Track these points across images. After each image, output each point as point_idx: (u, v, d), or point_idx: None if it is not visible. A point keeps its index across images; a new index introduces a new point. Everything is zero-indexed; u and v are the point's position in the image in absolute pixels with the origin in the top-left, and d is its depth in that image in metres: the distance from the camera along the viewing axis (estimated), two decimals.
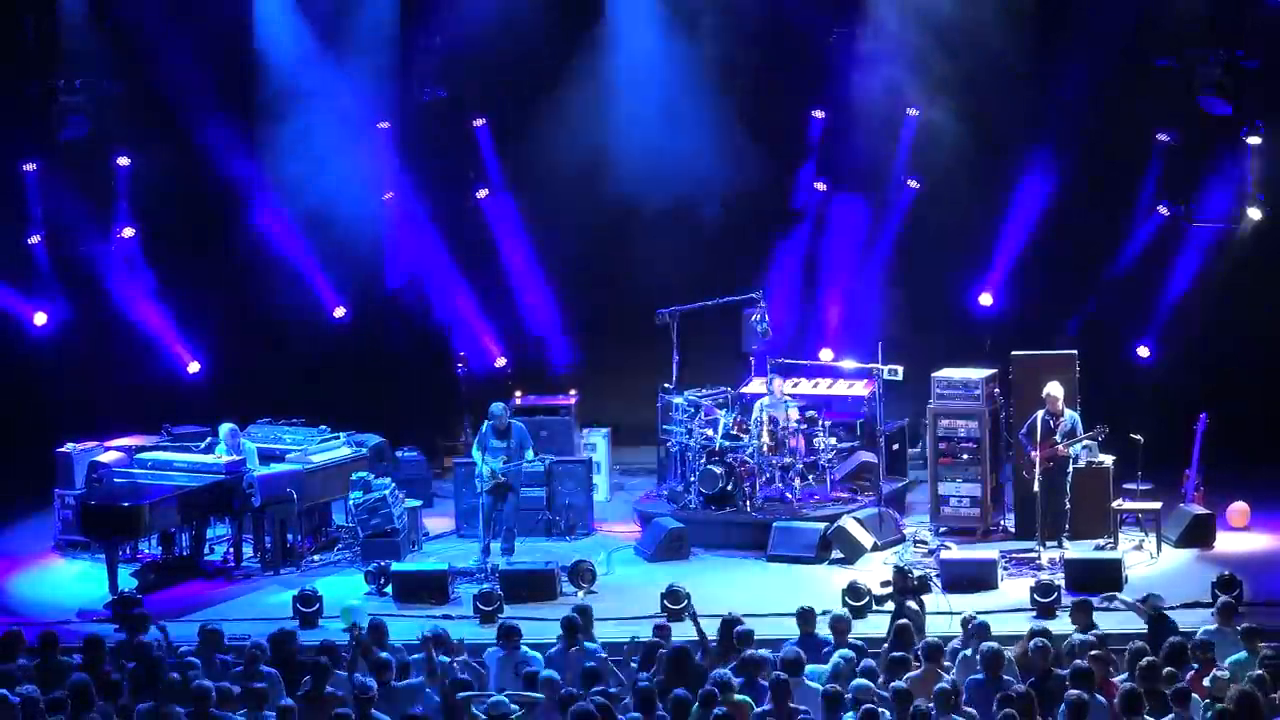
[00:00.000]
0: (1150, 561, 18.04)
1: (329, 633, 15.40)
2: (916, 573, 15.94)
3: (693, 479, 19.45)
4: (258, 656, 13.28)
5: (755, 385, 20.50)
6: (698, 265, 22.21)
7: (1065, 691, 11.92)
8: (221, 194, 22.59)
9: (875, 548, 18.44)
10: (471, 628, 15.97)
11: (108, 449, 19.54)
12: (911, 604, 14.76)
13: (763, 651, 13.09)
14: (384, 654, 13.22)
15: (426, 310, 23.53)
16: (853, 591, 16.25)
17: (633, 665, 13.52)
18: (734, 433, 19.45)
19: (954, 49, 21.31)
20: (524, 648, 13.76)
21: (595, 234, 22.89)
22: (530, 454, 18.58)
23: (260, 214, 22.67)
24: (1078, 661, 12.43)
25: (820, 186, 22.71)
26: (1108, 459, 18.74)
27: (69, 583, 18.42)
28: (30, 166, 21.97)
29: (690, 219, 22.64)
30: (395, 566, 17.61)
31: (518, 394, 21.42)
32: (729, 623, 13.77)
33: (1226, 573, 16.30)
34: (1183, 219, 21.44)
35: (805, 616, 14.18)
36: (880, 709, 11.82)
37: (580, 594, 17.19)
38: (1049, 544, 18.01)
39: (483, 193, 23.21)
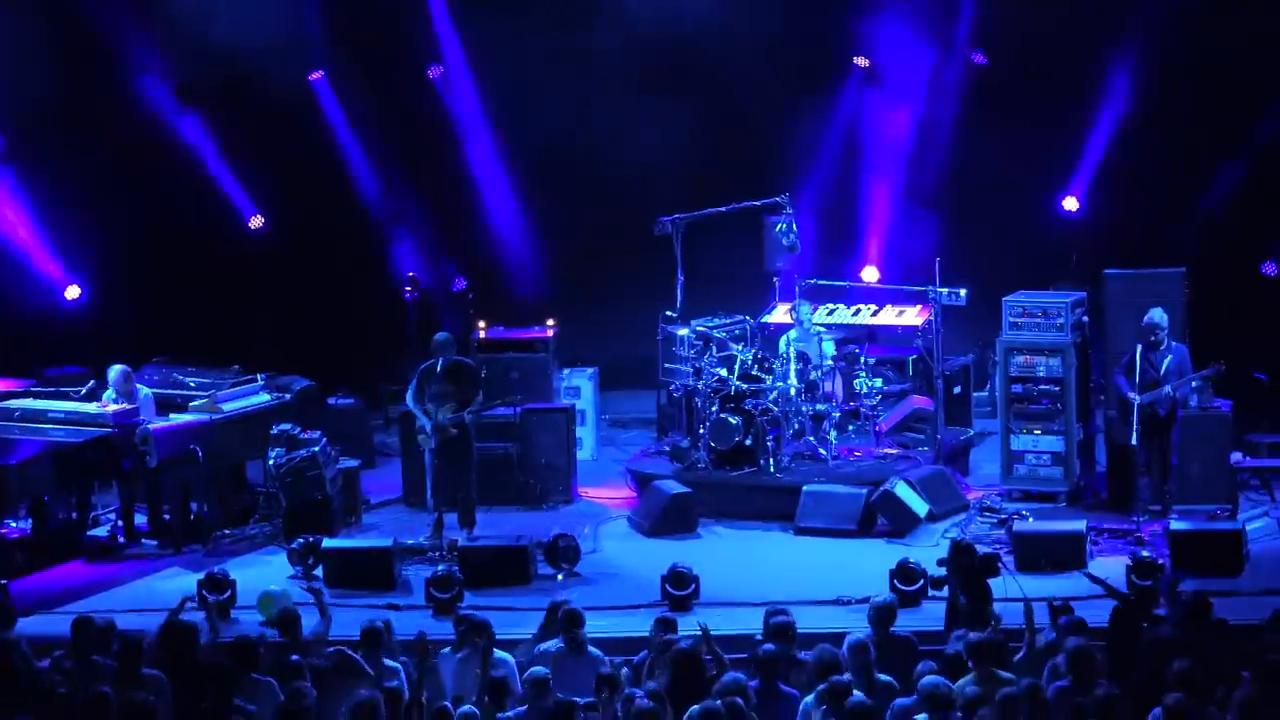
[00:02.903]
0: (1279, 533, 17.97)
1: (244, 627, 15.28)
2: (982, 549, 15.48)
3: (702, 431, 19.42)
4: (137, 655, 12.86)
5: (781, 313, 20.59)
6: (706, 160, 22.26)
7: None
8: (106, 74, 22.59)
9: (931, 517, 18.44)
10: (424, 619, 15.86)
11: None
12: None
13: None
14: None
15: (366, 220, 23.58)
16: (903, 573, 16.13)
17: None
18: (754, 373, 19.36)
19: None
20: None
21: (577, 121, 22.95)
22: (481, 396, 18.29)
23: (155, 98, 22.74)
24: (1179, 663, 12.10)
25: (861, 61, 22.75)
26: (1225, 404, 18.75)
27: None
28: None
29: (696, 98, 22.58)
30: (326, 543, 17.51)
31: (481, 325, 21.29)
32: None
33: None
34: None
35: (883, 614, 13.58)
36: None
37: (560, 577, 17.18)
38: (1151, 512, 17.97)
39: (437, 70, 23.25)
